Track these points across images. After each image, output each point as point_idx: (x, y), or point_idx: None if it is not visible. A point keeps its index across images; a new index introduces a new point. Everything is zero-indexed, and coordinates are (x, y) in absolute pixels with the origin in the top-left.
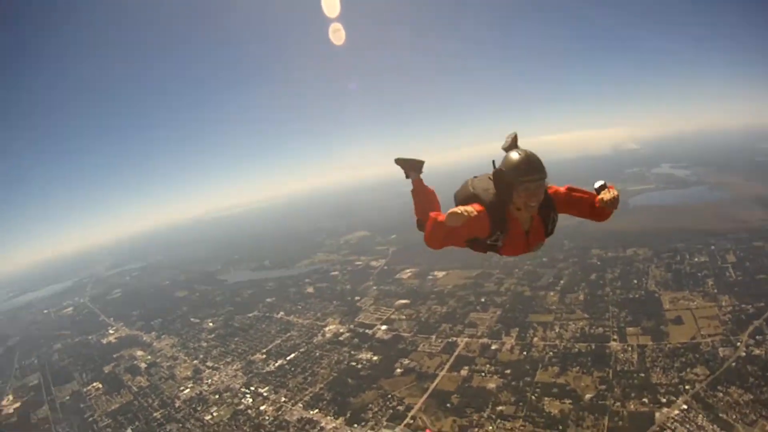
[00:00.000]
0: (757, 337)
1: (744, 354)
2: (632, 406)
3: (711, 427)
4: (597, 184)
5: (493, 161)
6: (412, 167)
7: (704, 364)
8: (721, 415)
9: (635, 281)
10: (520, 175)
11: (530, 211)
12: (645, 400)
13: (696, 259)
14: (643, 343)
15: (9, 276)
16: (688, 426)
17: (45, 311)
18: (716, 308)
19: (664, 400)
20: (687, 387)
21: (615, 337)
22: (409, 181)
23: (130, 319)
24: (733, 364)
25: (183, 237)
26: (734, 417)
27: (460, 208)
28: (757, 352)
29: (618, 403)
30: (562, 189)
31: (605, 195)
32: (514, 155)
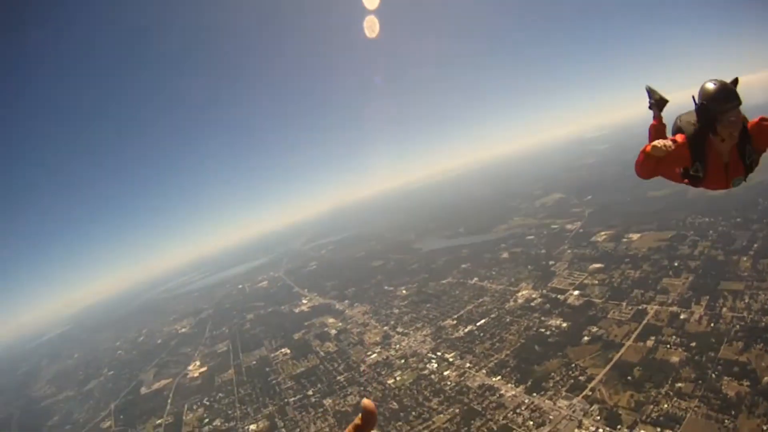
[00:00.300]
0: None
1: None
2: None
3: None
4: None
5: (693, 96)
6: (658, 102)
7: None
8: None
9: None
10: (719, 104)
11: (731, 141)
12: None
13: None
14: None
15: (206, 257)
16: None
17: (240, 286)
18: None
19: None
20: None
21: None
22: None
23: (324, 289)
24: None
25: (378, 209)
26: None
27: (660, 141)
28: None
29: None
30: (755, 120)
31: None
32: (710, 85)
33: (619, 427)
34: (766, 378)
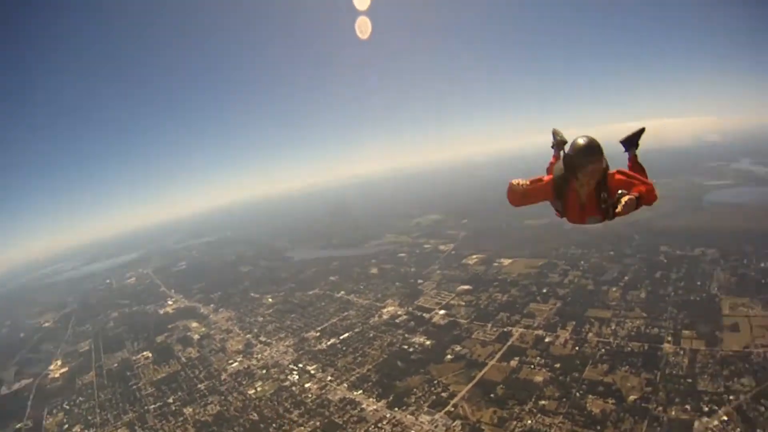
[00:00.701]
0: None
1: None
2: (673, 413)
3: None
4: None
5: (564, 146)
6: (558, 143)
7: (752, 374)
8: (758, 430)
9: (699, 283)
10: (582, 158)
11: (587, 187)
12: (687, 407)
13: (762, 265)
14: (697, 347)
15: (76, 248)
16: None
17: (107, 281)
18: None
19: (706, 409)
20: (731, 397)
21: (669, 338)
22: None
23: (190, 292)
24: None
25: (256, 214)
26: None
27: (518, 180)
28: None
29: (660, 408)
30: (613, 171)
31: (622, 200)
32: (580, 140)
33: None
34: (631, 397)
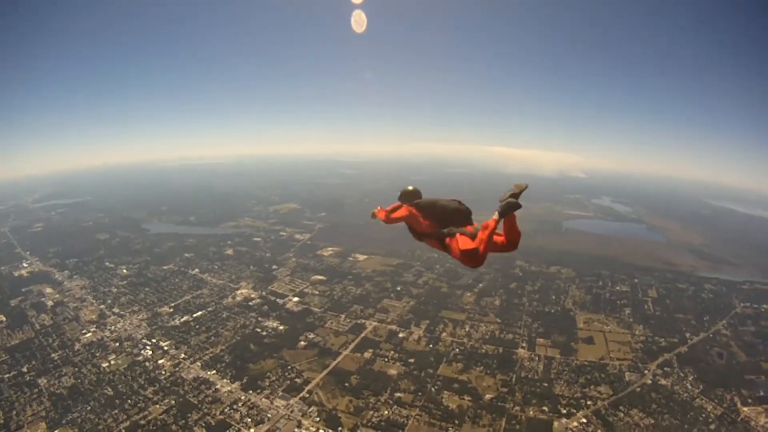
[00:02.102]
0: (665, 368)
1: (650, 381)
2: (531, 413)
3: None
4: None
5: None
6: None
7: (609, 384)
8: None
9: (553, 297)
10: (401, 198)
11: (417, 224)
12: (545, 408)
13: (618, 288)
14: (551, 355)
15: None
16: None
17: None
18: (629, 335)
19: (564, 411)
20: (589, 402)
21: (524, 344)
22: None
23: (46, 255)
24: (638, 389)
25: (122, 181)
26: None
27: (377, 210)
28: (663, 382)
29: (517, 408)
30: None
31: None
32: (408, 186)
33: (340, 429)
34: (488, 395)
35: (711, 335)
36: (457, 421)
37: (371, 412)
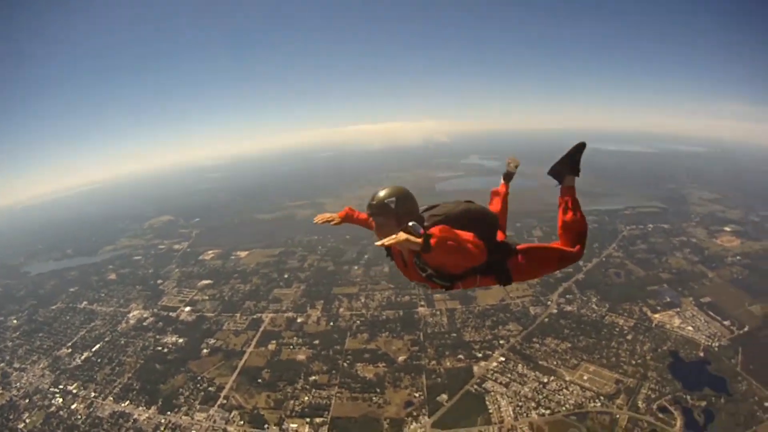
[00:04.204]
0: (567, 296)
1: (556, 311)
2: (448, 363)
3: (533, 374)
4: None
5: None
6: (507, 175)
7: (516, 321)
8: (541, 362)
9: None
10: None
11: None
12: (461, 356)
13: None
14: (452, 307)
15: None
16: (509, 375)
17: None
18: None
19: (480, 355)
20: (501, 342)
21: (422, 303)
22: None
23: None
24: (546, 319)
25: None
26: (555, 363)
27: (323, 217)
28: (569, 308)
29: (433, 362)
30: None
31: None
32: (381, 189)
33: (266, 426)
34: (401, 357)
35: (604, 259)
36: (378, 389)
37: (292, 402)
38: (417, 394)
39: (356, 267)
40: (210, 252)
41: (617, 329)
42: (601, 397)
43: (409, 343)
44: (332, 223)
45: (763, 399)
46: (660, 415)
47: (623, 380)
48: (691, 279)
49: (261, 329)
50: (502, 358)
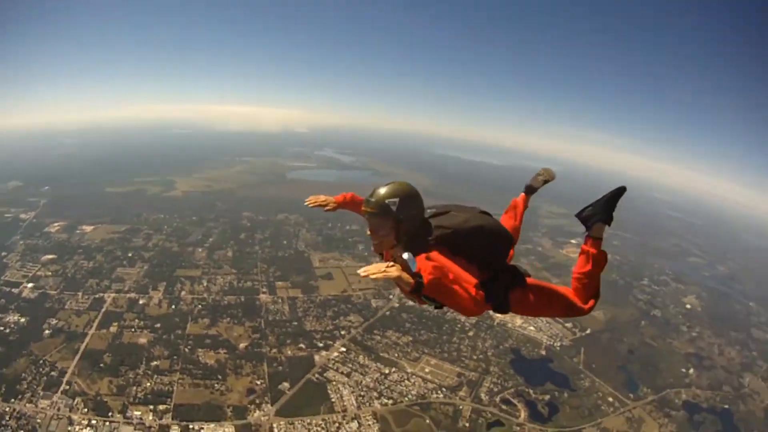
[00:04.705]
0: None
1: (397, 305)
2: (289, 352)
3: (374, 365)
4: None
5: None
6: (529, 188)
7: (358, 312)
8: (382, 354)
9: (285, 242)
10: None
11: (375, 248)
12: (302, 345)
13: (348, 227)
14: (294, 295)
15: None
16: (350, 365)
17: None
18: None
19: (321, 345)
20: (343, 332)
21: (264, 290)
22: None
23: None
24: (387, 312)
25: None
26: (397, 355)
27: (318, 198)
28: (410, 303)
29: (275, 350)
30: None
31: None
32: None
33: (110, 414)
34: (242, 344)
35: None
36: (220, 376)
37: (134, 388)
38: (259, 382)
39: (200, 249)
40: (56, 224)
41: (459, 325)
42: (444, 389)
43: (250, 330)
44: (326, 208)
45: (607, 394)
46: (504, 407)
47: (465, 374)
48: None
49: (103, 310)
50: (344, 349)
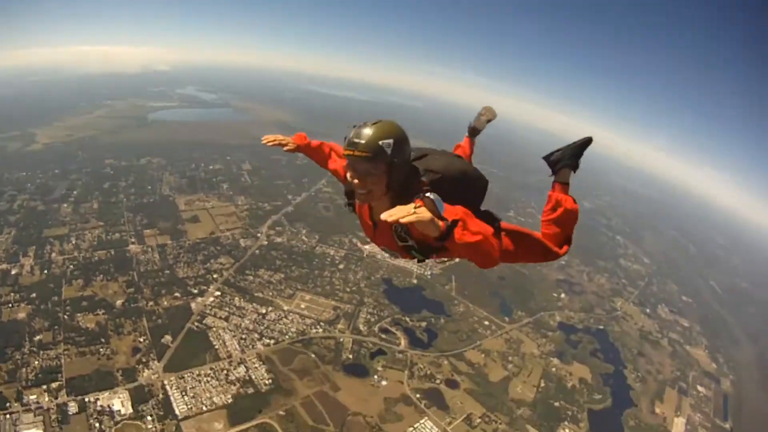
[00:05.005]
0: (276, 228)
1: (266, 243)
2: (166, 303)
3: (251, 306)
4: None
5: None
6: (472, 130)
7: (227, 254)
8: (257, 294)
9: (149, 187)
10: (345, 144)
11: (362, 199)
12: (177, 294)
13: (211, 167)
14: (163, 242)
15: None
16: (227, 309)
17: None
18: (233, 207)
19: (195, 291)
20: (215, 276)
21: (133, 240)
22: None
23: None
24: (257, 251)
25: None
26: (271, 294)
27: (274, 137)
28: (278, 240)
29: (151, 303)
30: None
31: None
32: (365, 124)
33: (8, 404)
34: (118, 302)
35: (313, 194)
36: (103, 339)
37: (24, 370)
38: (141, 339)
39: (65, 205)
40: None
41: (329, 259)
42: (322, 324)
43: (125, 285)
44: (285, 148)
45: (482, 318)
46: (383, 336)
47: (341, 306)
48: None
49: None
50: (218, 293)
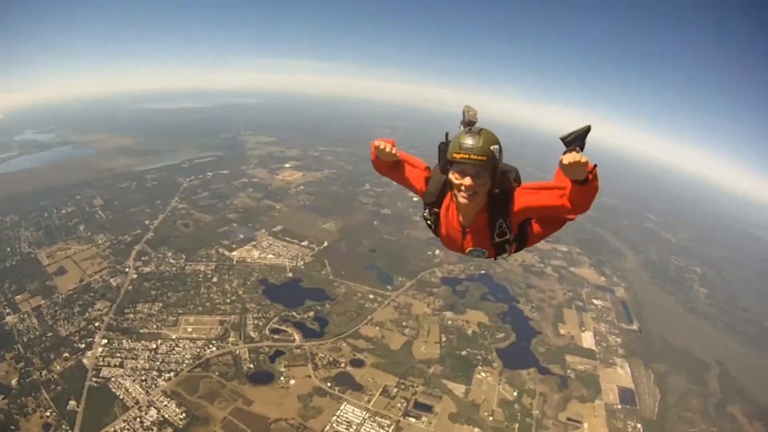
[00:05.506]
0: (142, 258)
1: (136, 276)
2: (58, 366)
3: (140, 344)
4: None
5: (447, 133)
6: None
7: (102, 297)
8: (142, 330)
9: (8, 249)
10: (453, 149)
11: (463, 204)
12: (66, 354)
13: (63, 211)
14: (36, 304)
15: None
16: (119, 354)
17: None
18: (94, 248)
19: (83, 346)
20: (97, 324)
21: (8, 311)
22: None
23: None
24: (129, 287)
25: None
26: (156, 326)
27: (385, 142)
28: (147, 269)
29: (45, 371)
30: (519, 188)
31: (565, 158)
32: (465, 128)
33: None
34: (13, 380)
35: (170, 214)
36: (12, 426)
37: None
38: (48, 413)
39: None
40: None
41: (201, 276)
42: (214, 342)
43: (14, 362)
44: (386, 156)
45: (366, 293)
46: (276, 337)
47: (227, 319)
48: (260, 213)
49: None
50: (105, 341)
